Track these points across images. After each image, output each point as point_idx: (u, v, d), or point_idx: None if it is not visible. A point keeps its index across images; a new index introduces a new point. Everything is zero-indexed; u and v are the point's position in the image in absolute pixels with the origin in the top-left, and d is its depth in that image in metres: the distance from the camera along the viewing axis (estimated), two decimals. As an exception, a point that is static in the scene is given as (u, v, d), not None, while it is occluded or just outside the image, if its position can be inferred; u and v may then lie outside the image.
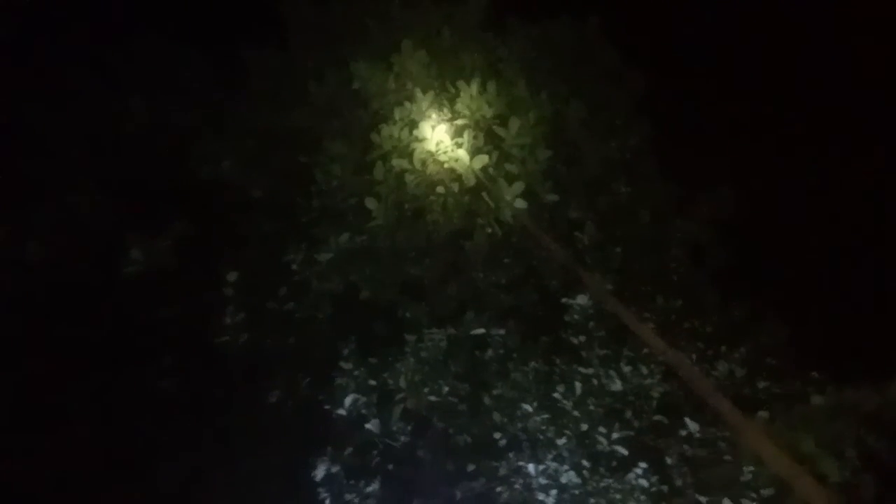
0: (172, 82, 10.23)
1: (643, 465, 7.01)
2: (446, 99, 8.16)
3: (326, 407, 8.05)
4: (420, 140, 7.94)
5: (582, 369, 7.59)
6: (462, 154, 7.85)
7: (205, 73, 10.30)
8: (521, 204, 7.65)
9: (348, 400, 7.94)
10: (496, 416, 7.68)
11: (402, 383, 7.94)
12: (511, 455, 7.45)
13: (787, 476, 4.41)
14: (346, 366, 8.11)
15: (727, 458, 6.81)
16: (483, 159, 7.72)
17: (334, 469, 7.81)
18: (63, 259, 9.47)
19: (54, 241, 9.56)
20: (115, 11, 10.68)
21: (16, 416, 8.98)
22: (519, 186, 7.64)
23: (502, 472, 7.43)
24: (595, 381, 7.50)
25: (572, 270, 7.82)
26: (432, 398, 7.92)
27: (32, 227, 9.63)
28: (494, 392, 7.78)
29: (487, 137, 8.10)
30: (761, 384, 7.22)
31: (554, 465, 7.14)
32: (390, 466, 8.09)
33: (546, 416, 7.41)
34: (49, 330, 9.37)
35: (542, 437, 7.35)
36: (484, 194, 7.84)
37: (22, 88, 10.07)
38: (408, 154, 7.98)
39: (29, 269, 9.45)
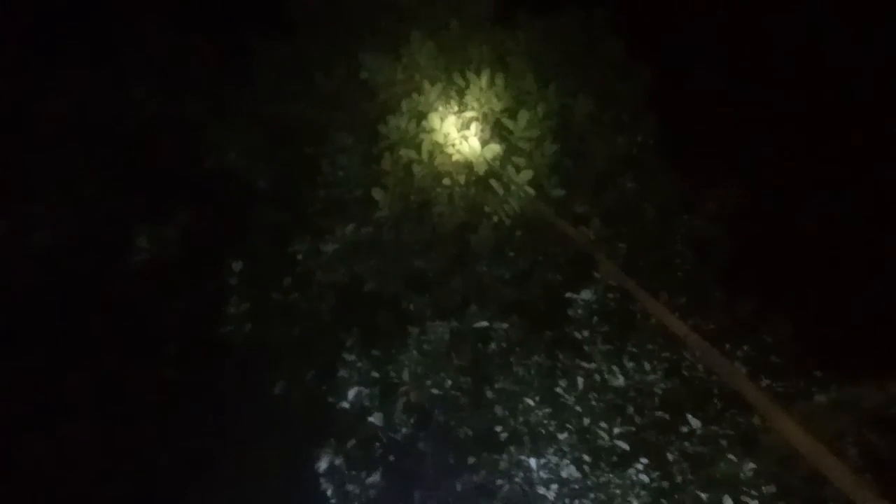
0: (179, 72, 10.24)
1: (644, 460, 6.97)
2: (454, 91, 8.13)
3: (330, 399, 8.06)
4: (428, 131, 7.91)
5: (584, 364, 7.56)
6: (470, 146, 7.83)
7: (212, 64, 10.31)
8: (530, 190, 7.64)
9: (352, 393, 7.95)
10: (498, 410, 7.67)
11: (405, 376, 7.94)
12: (512, 449, 7.43)
13: (819, 461, 4.36)
14: (350, 357, 8.12)
15: (729, 455, 6.79)
16: (494, 149, 7.70)
17: (337, 461, 7.82)
18: (70, 248, 9.51)
19: (61, 231, 9.61)
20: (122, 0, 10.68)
21: (21, 403, 9.04)
22: (527, 174, 7.62)
23: (503, 465, 7.42)
24: (597, 377, 7.47)
25: (585, 253, 7.74)
26: (435, 391, 7.92)
27: (39, 217, 9.67)
28: (497, 386, 7.76)
29: (495, 130, 8.07)
30: (764, 382, 7.18)
31: (555, 459, 7.13)
32: (392, 458, 8.11)
33: (548, 410, 7.39)
34: (55, 318, 9.43)
35: (543, 431, 7.33)
36: (493, 181, 7.81)
37: (29, 77, 10.09)
38: (415, 145, 7.96)
39: (36, 258, 9.50)
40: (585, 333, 7.75)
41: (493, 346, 8.09)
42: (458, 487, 8.02)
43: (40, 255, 9.48)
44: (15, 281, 9.33)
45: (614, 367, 7.47)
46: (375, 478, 7.85)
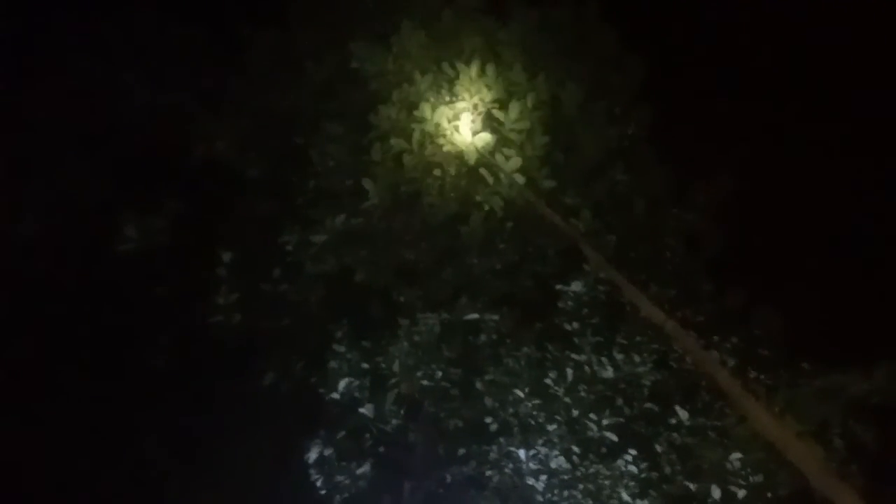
0: (169, 60, 10.14)
1: (633, 451, 7.03)
2: (445, 81, 8.09)
3: (320, 391, 8.05)
4: (418, 121, 7.88)
5: (574, 356, 7.57)
6: (461, 136, 7.80)
7: (201, 52, 10.20)
8: (520, 179, 7.62)
9: (342, 384, 7.93)
10: (488, 401, 7.68)
11: (396, 367, 7.93)
12: (502, 440, 7.46)
13: (791, 452, 4.38)
14: (340, 349, 8.10)
15: (716, 446, 6.84)
16: (485, 138, 7.67)
17: (327, 452, 7.83)
18: (57, 236, 9.43)
19: (48, 219, 9.53)
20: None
21: (7, 392, 8.98)
22: (517, 163, 7.61)
23: (493, 456, 7.45)
24: (587, 368, 7.48)
25: (572, 243, 7.72)
26: (425, 382, 7.91)
27: (26, 205, 9.58)
28: (486, 377, 7.76)
29: (486, 121, 8.04)
30: (752, 374, 7.21)
31: (544, 450, 7.15)
32: (382, 449, 8.12)
33: (537, 401, 7.41)
34: (42, 307, 9.36)
35: (532, 422, 7.36)
36: (483, 170, 7.79)
37: (16, 64, 9.98)
38: (406, 135, 7.92)
39: (23, 246, 9.42)
40: (575, 325, 7.74)
41: (483, 337, 8.08)
42: (448, 478, 8.05)
43: (26, 243, 9.40)
44: (0, 269, 9.25)
45: (604, 359, 7.48)
46: (365, 468, 7.87)
